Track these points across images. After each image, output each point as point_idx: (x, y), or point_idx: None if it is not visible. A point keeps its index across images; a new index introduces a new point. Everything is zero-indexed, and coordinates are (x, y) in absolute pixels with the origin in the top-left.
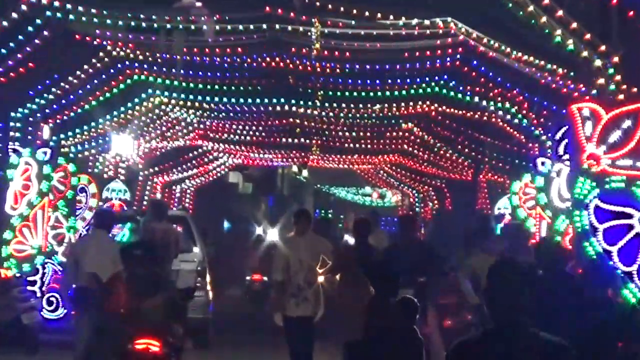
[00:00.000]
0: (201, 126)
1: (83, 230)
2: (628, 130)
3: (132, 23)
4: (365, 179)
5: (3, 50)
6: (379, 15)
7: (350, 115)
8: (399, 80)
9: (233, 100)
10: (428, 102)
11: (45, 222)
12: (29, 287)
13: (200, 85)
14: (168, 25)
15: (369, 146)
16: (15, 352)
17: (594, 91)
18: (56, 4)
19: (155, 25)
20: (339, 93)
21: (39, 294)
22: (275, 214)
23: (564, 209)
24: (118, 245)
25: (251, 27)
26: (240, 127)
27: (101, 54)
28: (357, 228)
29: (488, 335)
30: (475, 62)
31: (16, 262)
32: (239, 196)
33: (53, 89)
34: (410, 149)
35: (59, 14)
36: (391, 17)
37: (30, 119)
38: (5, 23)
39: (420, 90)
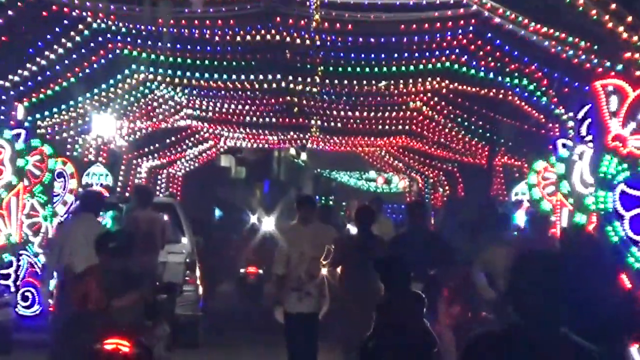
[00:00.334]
0: (190, 105)
1: (61, 218)
2: None
3: None
4: (370, 163)
5: None
6: None
7: (353, 93)
8: (406, 55)
9: (225, 77)
10: (438, 79)
11: (20, 210)
12: (2, 282)
13: (189, 61)
14: None
15: (373, 127)
16: None
17: (620, 66)
18: None
19: None
20: (340, 69)
21: (13, 289)
22: (271, 201)
23: (587, 195)
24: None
25: None
26: (233, 106)
27: (80, 26)
28: (360, 216)
29: (512, 333)
30: (489, 35)
31: None
32: (232, 182)
33: (28, 65)
34: (419, 130)
35: None
36: None
37: (3, 97)
38: None
39: (430, 66)
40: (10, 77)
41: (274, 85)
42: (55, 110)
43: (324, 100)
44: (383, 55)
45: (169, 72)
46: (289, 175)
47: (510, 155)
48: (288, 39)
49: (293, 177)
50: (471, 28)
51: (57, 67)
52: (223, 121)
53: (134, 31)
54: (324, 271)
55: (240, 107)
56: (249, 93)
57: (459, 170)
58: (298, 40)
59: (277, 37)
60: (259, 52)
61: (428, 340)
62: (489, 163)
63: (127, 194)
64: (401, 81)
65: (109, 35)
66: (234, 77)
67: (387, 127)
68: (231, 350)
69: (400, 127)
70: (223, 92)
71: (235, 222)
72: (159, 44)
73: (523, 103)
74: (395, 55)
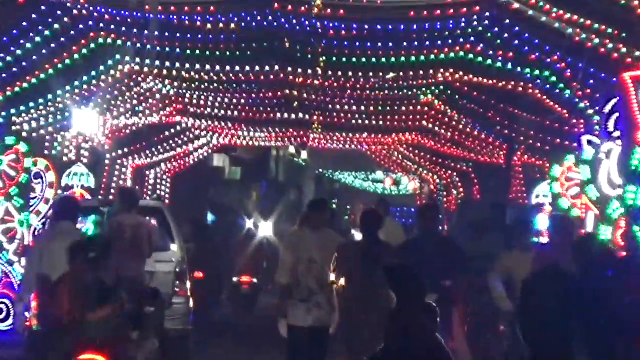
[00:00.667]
0: (180, 99)
1: (39, 224)
2: None
3: None
4: (377, 163)
5: None
6: None
7: (358, 86)
8: (416, 44)
9: (218, 68)
10: (451, 70)
11: None
12: None
13: (179, 50)
14: None
15: (380, 123)
16: None
17: None
18: None
19: None
20: (344, 59)
21: None
22: (269, 205)
23: (616, 196)
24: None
25: None
26: (227, 100)
27: (59, 12)
28: (366, 221)
29: None
30: (508, 22)
31: None
32: (226, 183)
33: (1, 55)
34: (431, 126)
35: None
36: None
37: None
38: None
39: (442, 56)
40: None
41: (272, 77)
42: (32, 105)
43: (327, 94)
44: (391, 44)
45: (157, 63)
46: (288, 176)
47: (531, 153)
48: (287, 26)
49: (293, 178)
50: (488, 14)
51: (34, 58)
52: (216, 117)
53: (118, 18)
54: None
55: (235, 101)
56: (244, 86)
57: (474, 170)
58: (298, 28)
59: (275, 24)
60: (255, 40)
61: (441, 357)
62: (507, 162)
63: (110, 197)
64: (411, 73)
65: (90, 23)
66: (227, 68)
67: (395, 123)
68: None
69: (410, 123)
70: (216, 85)
71: (230, 227)
72: (146, 32)
73: (544, 96)
74: (405, 44)
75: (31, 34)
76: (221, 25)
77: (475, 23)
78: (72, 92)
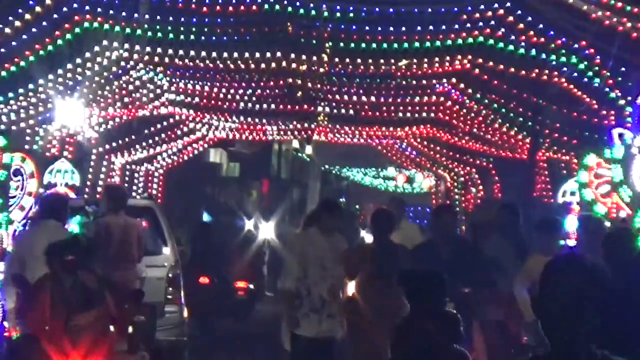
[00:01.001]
0: (172, 89)
1: (19, 225)
2: None
3: None
4: (388, 158)
5: None
6: None
7: (367, 74)
8: (431, 28)
9: (214, 54)
10: (470, 57)
11: None
12: None
13: (171, 36)
14: None
15: (392, 115)
16: None
17: None
18: None
19: None
20: (352, 45)
21: None
22: (270, 204)
23: None
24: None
25: None
26: (224, 90)
27: None
28: (377, 221)
29: None
30: (531, 3)
31: None
32: (223, 180)
33: None
34: (447, 118)
35: None
36: None
37: None
38: None
39: (460, 41)
40: None
41: (274, 64)
42: (10, 95)
43: (333, 83)
44: (403, 29)
45: (148, 49)
46: (292, 172)
47: (557, 148)
48: (290, 8)
49: (296, 175)
50: None
51: (13, 44)
52: (212, 108)
53: (105, 0)
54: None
55: (232, 91)
56: (243, 74)
57: (495, 166)
58: (302, 11)
59: (277, 6)
60: (255, 24)
61: None
62: (530, 157)
63: (97, 195)
64: (425, 60)
65: (75, 5)
66: (225, 55)
67: (408, 115)
68: None
69: (424, 114)
70: (212, 73)
71: (227, 228)
72: (135, 15)
73: (572, 86)
74: (419, 28)
75: (10, 17)
76: (218, 7)
77: (496, 5)
78: (55, 81)
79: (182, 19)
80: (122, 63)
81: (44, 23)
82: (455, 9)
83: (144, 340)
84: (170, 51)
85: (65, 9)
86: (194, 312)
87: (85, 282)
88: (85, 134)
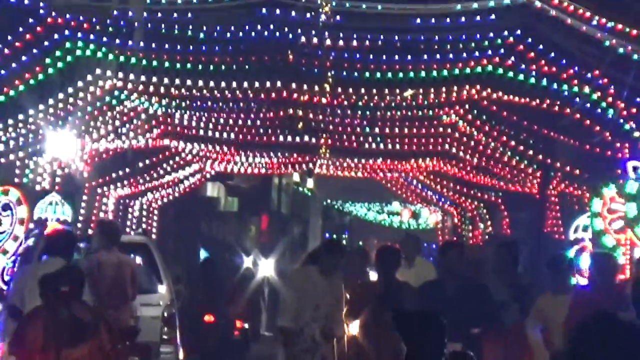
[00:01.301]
0: (169, 120)
1: (8, 263)
2: None
3: None
4: (393, 193)
5: None
6: None
7: (371, 105)
8: (438, 57)
9: (212, 84)
10: (478, 87)
11: None
12: None
13: (167, 64)
14: None
15: (397, 147)
16: None
17: None
18: None
19: None
20: (356, 74)
21: None
22: (270, 240)
23: None
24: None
25: None
26: (222, 121)
27: (31, 20)
28: (381, 258)
29: None
30: (542, 31)
31: None
32: (221, 215)
33: None
34: (454, 150)
35: None
36: None
37: None
38: None
39: (468, 70)
40: None
41: (273, 94)
42: (0, 125)
43: (336, 114)
44: (409, 57)
45: (143, 78)
46: (292, 207)
47: (569, 182)
48: (290, 36)
49: (297, 210)
50: (519, 22)
51: (2, 72)
52: (210, 140)
53: (98, 27)
54: (354, 329)
55: (231, 122)
56: (242, 105)
57: (504, 201)
58: (303, 38)
59: (277, 34)
60: (254, 52)
61: None
62: (541, 192)
63: (89, 231)
64: (432, 90)
65: (67, 32)
66: (223, 84)
67: (414, 147)
68: None
69: (430, 147)
70: (210, 103)
71: (225, 265)
72: (130, 42)
73: (584, 117)
74: (425, 56)
75: None
76: (215, 34)
77: (506, 32)
78: (45, 112)
79: (179, 47)
80: (116, 92)
81: (35, 51)
82: (463, 36)
83: None
84: (166, 80)
85: (56, 36)
86: (198, 351)
87: (78, 314)
88: (78, 166)
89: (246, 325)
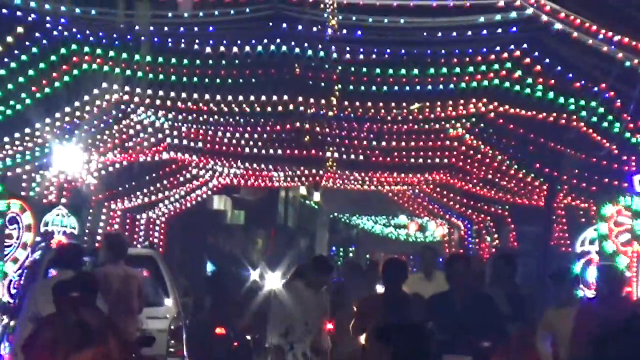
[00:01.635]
0: (175, 133)
1: (15, 276)
2: None
3: None
4: (399, 206)
5: None
6: None
7: (378, 118)
8: (444, 70)
9: (218, 97)
10: (485, 100)
11: None
12: None
13: (173, 78)
14: None
15: (404, 160)
16: None
17: None
18: None
19: None
20: (362, 87)
21: None
22: (277, 253)
23: None
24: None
25: None
26: (229, 134)
27: (37, 34)
28: (388, 271)
29: None
30: (548, 45)
31: None
32: (227, 228)
33: None
34: (461, 163)
35: None
36: None
37: None
38: None
39: (474, 84)
40: None
41: (280, 108)
42: (6, 139)
43: (343, 127)
44: (416, 71)
45: (149, 91)
46: (299, 220)
47: (575, 195)
48: (297, 49)
49: (304, 223)
50: (526, 36)
51: (9, 86)
52: (216, 153)
53: (104, 40)
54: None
55: (237, 135)
56: (248, 118)
57: (510, 214)
58: (310, 52)
59: (284, 48)
60: (261, 66)
61: None
62: (548, 205)
63: (95, 244)
64: (438, 103)
65: (73, 46)
66: (229, 97)
67: (421, 160)
68: None
69: (437, 160)
70: (216, 116)
71: (231, 278)
72: (136, 56)
73: (591, 130)
74: (432, 70)
75: (5, 59)
76: (222, 48)
77: (512, 46)
78: (52, 125)
79: (185, 61)
80: (122, 106)
81: (41, 65)
82: (470, 50)
83: None
84: (172, 94)
85: (63, 50)
86: None
87: (87, 320)
88: (84, 179)
89: (248, 337)
